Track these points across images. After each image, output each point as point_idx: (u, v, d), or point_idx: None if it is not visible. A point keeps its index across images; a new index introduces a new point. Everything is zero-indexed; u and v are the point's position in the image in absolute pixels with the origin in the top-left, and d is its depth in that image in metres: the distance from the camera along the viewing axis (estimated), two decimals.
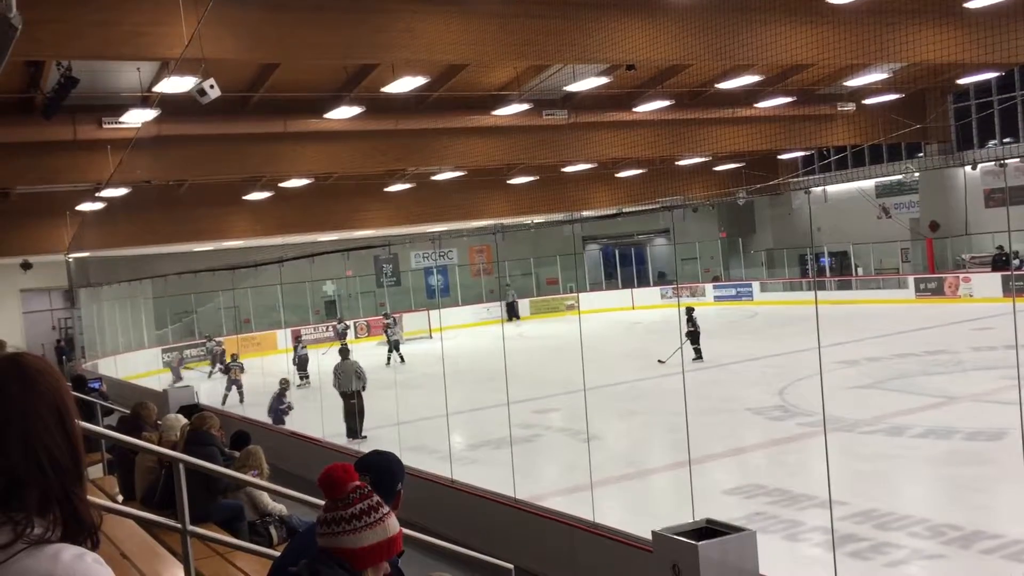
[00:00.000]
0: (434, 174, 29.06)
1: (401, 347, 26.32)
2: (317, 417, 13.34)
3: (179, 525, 4.00)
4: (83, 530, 1.39)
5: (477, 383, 18.24)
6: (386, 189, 30.10)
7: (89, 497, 1.47)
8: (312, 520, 3.27)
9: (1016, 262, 27.82)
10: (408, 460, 10.83)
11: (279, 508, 7.11)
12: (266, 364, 22.48)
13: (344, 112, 19.65)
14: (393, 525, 2.37)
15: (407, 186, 29.97)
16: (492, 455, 12.91)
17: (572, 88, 21.17)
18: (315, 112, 20.16)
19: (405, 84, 17.58)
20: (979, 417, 12.11)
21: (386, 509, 2.39)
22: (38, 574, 1.30)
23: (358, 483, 2.42)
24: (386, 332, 28.15)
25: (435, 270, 39.00)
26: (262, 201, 28.24)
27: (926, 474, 10.83)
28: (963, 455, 10.84)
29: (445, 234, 33.46)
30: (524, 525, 7.96)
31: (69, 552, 1.34)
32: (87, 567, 1.33)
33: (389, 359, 25.65)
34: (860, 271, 33.59)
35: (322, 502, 2.49)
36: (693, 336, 20.03)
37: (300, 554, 2.74)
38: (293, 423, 14.97)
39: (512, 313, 34.80)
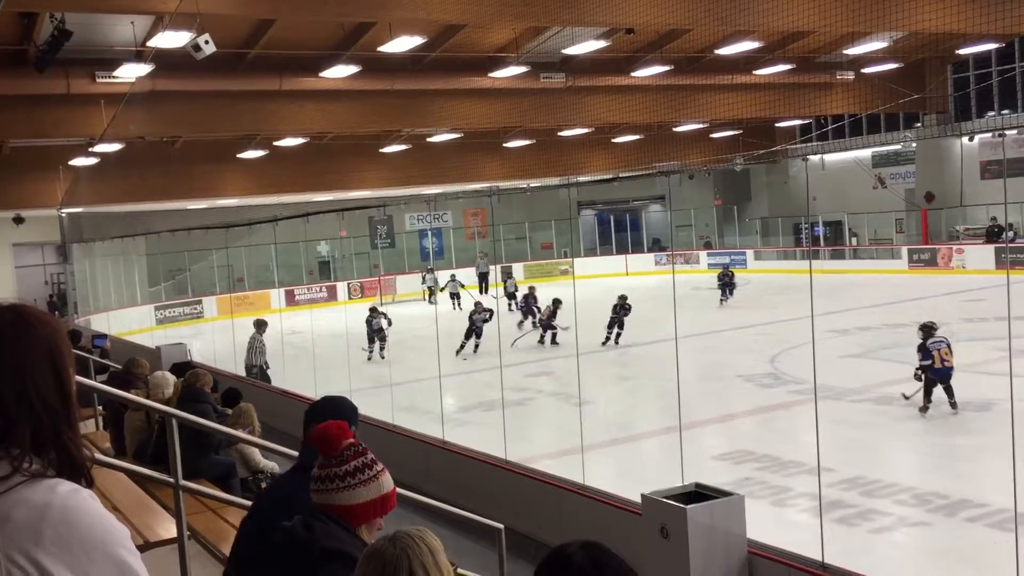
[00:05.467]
0: (430, 136, 28.89)
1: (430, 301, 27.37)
2: (310, 375, 13.37)
3: (172, 480, 4.02)
4: (76, 469, 1.46)
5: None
6: (382, 150, 29.93)
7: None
8: (282, 473, 3.29)
9: (1010, 234, 27.89)
10: (400, 421, 10.90)
11: (271, 465, 7.15)
12: None
13: (340, 71, 19.47)
14: (387, 482, 2.39)
15: (403, 147, 29.81)
16: (484, 417, 12.98)
17: (570, 51, 20.99)
18: (311, 71, 19.97)
19: (402, 44, 17.42)
20: (968, 387, 12.18)
21: (380, 466, 2.40)
22: (36, 504, 1.38)
23: (352, 440, 2.43)
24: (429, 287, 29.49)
25: (430, 232, 38.92)
26: (256, 159, 28.08)
27: (913, 443, 10.93)
28: (951, 425, 10.94)
29: (440, 196, 33.34)
30: (514, 486, 8.03)
31: (65, 486, 1.42)
32: (82, 500, 1.41)
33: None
34: (855, 241, 33.62)
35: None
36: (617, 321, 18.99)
37: (276, 508, 2.77)
38: (280, 380, 14.97)
39: (483, 285, 31.78)
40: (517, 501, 7.88)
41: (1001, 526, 7.28)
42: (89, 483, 1.47)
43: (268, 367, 15.59)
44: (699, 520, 5.38)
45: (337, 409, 3.16)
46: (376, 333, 18.53)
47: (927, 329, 11.91)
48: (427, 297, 29.12)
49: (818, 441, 6.35)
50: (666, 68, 24.02)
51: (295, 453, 5.01)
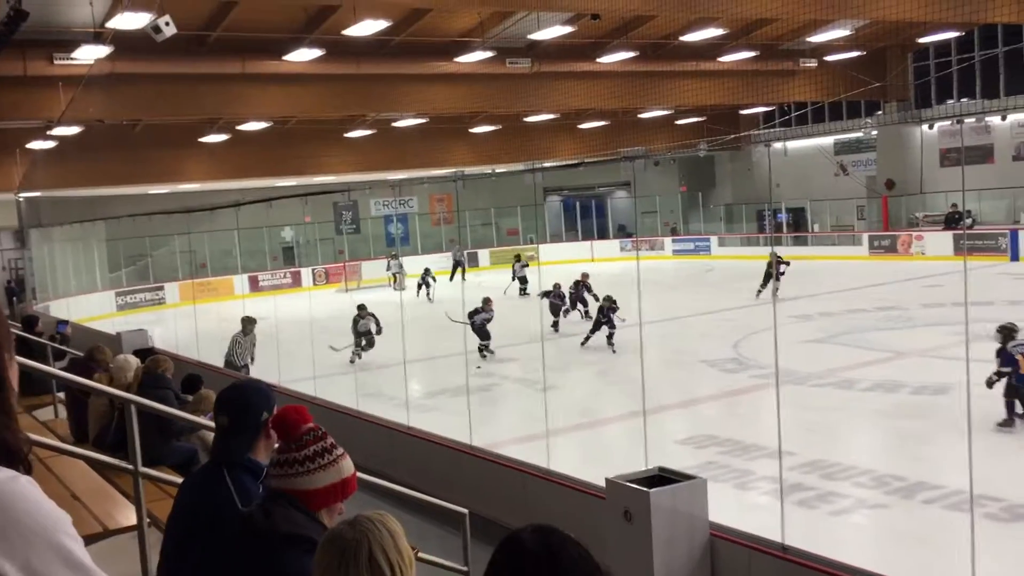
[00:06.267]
0: (395, 120, 28.72)
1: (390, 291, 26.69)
2: (275, 361, 13.28)
3: (131, 466, 3.97)
4: (12, 456, 1.43)
5: (436, 331, 18.27)
6: (346, 135, 29.70)
7: (33, 436, 1.48)
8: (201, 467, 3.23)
9: (968, 221, 28.35)
10: (365, 407, 10.85)
11: None
12: (222, 310, 22.30)
13: (304, 54, 19.28)
14: (347, 467, 2.38)
15: (368, 132, 29.60)
16: (449, 403, 12.98)
17: (536, 36, 20.96)
18: (274, 54, 19.75)
19: (366, 27, 17.27)
20: (926, 372, 12.41)
21: (340, 451, 2.39)
22: None
23: (311, 425, 2.42)
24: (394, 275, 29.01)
25: (395, 218, 38.74)
26: (219, 144, 27.73)
27: (873, 426, 11.10)
28: (909, 408, 11.12)
29: (405, 182, 33.18)
30: (479, 471, 8.05)
31: (2, 473, 1.38)
32: (20, 486, 1.38)
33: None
34: (817, 227, 33.99)
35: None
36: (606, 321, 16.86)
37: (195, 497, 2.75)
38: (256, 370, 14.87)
39: (457, 272, 30.80)
40: (482, 486, 7.90)
41: (957, 507, 7.42)
42: (28, 469, 1.44)
43: (253, 362, 14.49)
44: (662, 503, 5.42)
45: (243, 399, 2.92)
46: (364, 336, 16.63)
47: (1007, 331, 10.31)
48: (393, 283, 29.01)
49: (779, 425, 6.42)
50: (632, 54, 24.06)
51: None
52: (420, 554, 3.12)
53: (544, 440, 8.75)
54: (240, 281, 31.19)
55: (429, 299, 26.18)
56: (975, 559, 5.05)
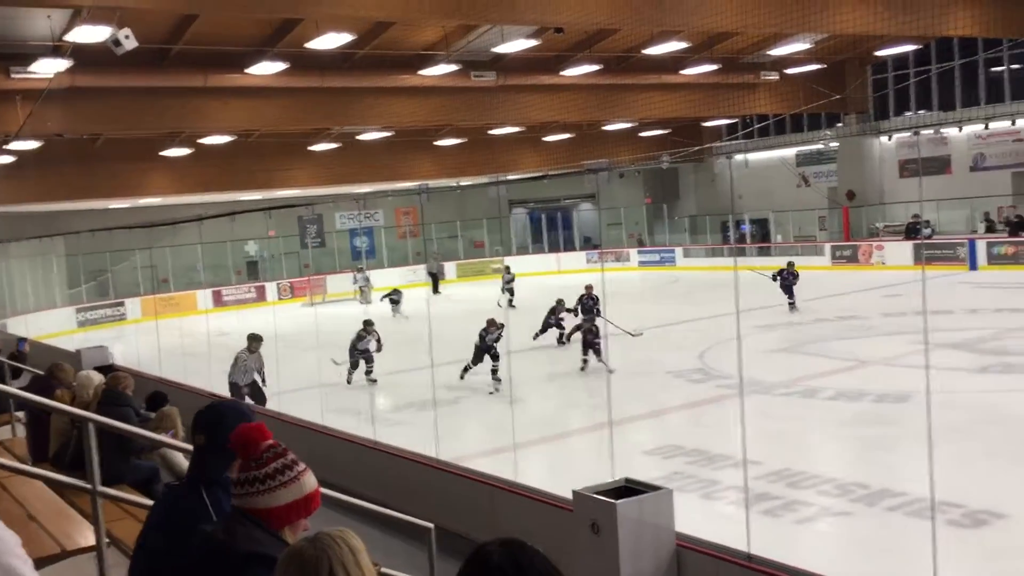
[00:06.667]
0: (359, 134, 28.64)
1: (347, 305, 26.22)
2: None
3: (89, 486, 3.90)
4: None
5: (402, 346, 18.18)
6: (310, 148, 29.58)
7: None
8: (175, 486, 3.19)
9: (928, 231, 28.82)
10: (331, 422, 10.76)
11: None
12: (184, 325, 22.05)
13: (267, 68, 19.17)
14: (309, 483, 2.35)
15: (332, 145, 29.49)
16: (416, 417, 12.92)
17: (500, 50, 21.02)
18: (237, 67, 19.62)
19: (330, 40, 17.23)
20: (888, 380, 12.56)
21: (301, 467, 2.36)
22: None
23: (271, 442, 2.39)
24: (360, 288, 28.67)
25: (360, 231, 38.58)
26: (181, 158, 27.48)
27: (836, 435, 11.21)
28: (871, 416, 11.24)
29: (371, 195, 33.07)
30: (446, 485, 8.00)
31: None
32: None
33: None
34: (780, 238, 34.35)
35: None
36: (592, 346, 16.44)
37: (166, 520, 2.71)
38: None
39: (436, 284, 31.95)
40: (448, 500, 7.86)
41: (919, 514, 7.50)
42: None
43: (265, 383, 13.48)
44: (629, 514, 5.43)
45: (218, 418, 2.93)
46: (362, 354, 15.77)
47: None
48: (358, 297, 28.85)
49: (744, 435, 6.47)
50: (595, 67, 24.22)
51: None
52: (383, 570, 3.09)
53: (511, 453, 8.74)
54: (203, 296, 30.85)
55: (404, 316, 25.45)
56: (937, 566, 5.11)
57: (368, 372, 15.76)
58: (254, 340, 13.41)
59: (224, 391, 12.99)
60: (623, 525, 5.38)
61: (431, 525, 5.53)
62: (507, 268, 26.99)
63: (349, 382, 15.67)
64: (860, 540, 7.61)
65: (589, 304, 18.03)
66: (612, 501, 5.49)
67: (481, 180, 33.01)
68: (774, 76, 28.08)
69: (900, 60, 31.05)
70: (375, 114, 24.18)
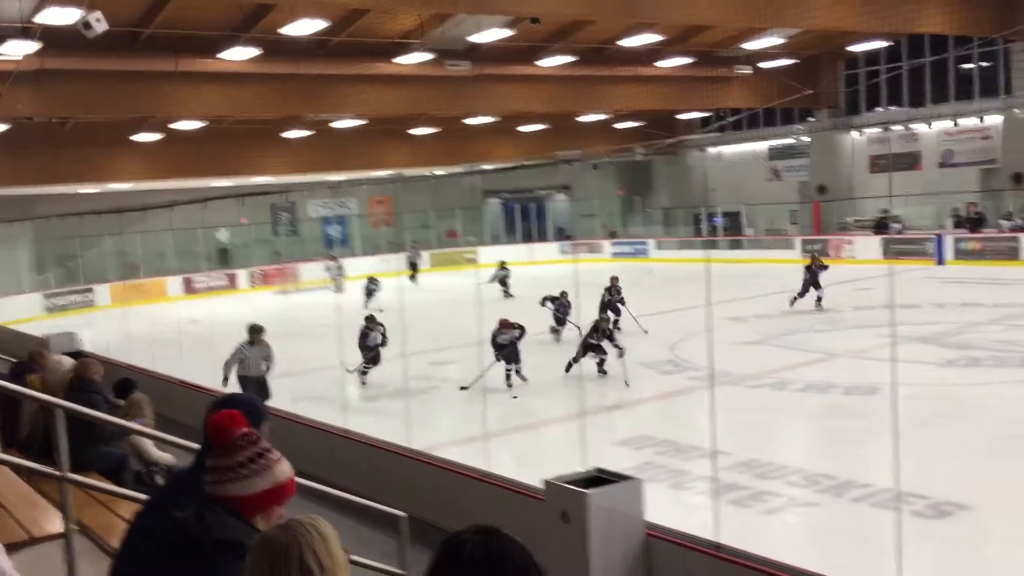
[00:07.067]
0: (333, 121, 28.49)
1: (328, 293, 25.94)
2: (210, 364, 13.04)
3: (57, 472, 3.87)
4: None
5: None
6: (283, 135, 29.38)
7: None
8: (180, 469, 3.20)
9: (897, 226, 29.15)
10: (303, 410, 10.72)
11: (166, 458, 6.96)
12: (155, 312, 21.87)
13: (240, 53, 19.01)
14: (283, 471, 2.35)
15: (306, 133, 29.31)
16: (388, 406, 12.91)
17: (476, 39, 20.97)
18: (209, 52, 19.45)
19: (304, 27, 17.13)
20: (856, 373, 12.71)
21: (276, 455, 2.36)
22: None
23: (245, 430, 2.38)
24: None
25: (334, 220, 38.38)
26: (152, 143, 27.20)
27: (805, 426, 11.34)
28: (840, 409, 11.38)
29: (344, 183, 32.91)
30: (418, 475, 8.01)
31: None
32: None
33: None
34: (751, 231, 34.59)
35: None
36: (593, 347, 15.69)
37: (174, 502, 2.69)
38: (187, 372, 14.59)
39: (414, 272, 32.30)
40: (421, 489, 7.87)
41: (884, 505, 7.62)
42: None
43: (268, 370, 12.24)
44: (599, 504, 5.47)
45: (237, 406, 3.06)
46: (369, 351, 14.61)
47: None
48: (331, 286, 28.73)
49: (714, 426, 6.53)
50: (571, 58, 24.25)
51: (191, 445, 4.89)
52: (354, 558, 3.09)
53: (484, 443, 8.76)
54: (174, 283, 30.60)
55: (378, 308, 24.99)
56: (901, 556, 5.20)
57: (364, 372, 14.68)
58: (255, 331, 12.35)
59: (202, 380, 12.91)
60: (593, 514, 5.42)
61: (403, 514, 5.54)
62: (502, 263, 26.57)
63: (364, 383, 14.59)
64: (826, 530, 7.71)
65: (615, 301, 17.77)
66: (583, 491, 5.53)
67: (456, 170, 32.95)
68: (748, 70, 28.25)
69: (872, 56, 31.33)
70: (349, 102, 24.06)
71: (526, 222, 41.34)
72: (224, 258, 35.58)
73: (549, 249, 37.39)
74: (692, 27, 23.65)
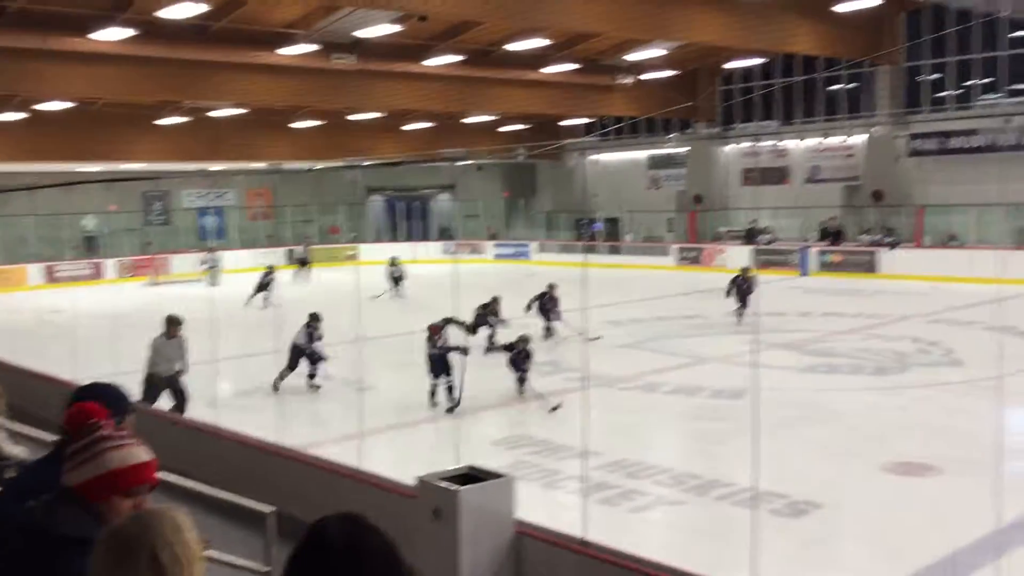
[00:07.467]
0: (211, 110, 27.66)
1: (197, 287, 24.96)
2: (71, 357, 12.45)
3: None
4: None
5: (251, 329, 17.73)
6: (158, 121, 28.35)
7: None
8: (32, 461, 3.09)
9: (766, 237, 30.38)
10: (170, 405, 10.32)
11: (18, 452, 6.61)
12: (12, 301, 20.75)
13: (113, 33, 18.25)
14: (127, 456, 2.22)
15: (182, 119, 28.36)
16: (263, 403, 12.63)
17: (362, 33, 20.76)
18: (79, 30, 18.58)
19: (183, 9, 16.59)
20: (724, 377, 13.18)
21: (122, 441, 2.26)
22: None
23: (97, 421, 2.30)
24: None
25: (210, 210, 37.23)
26: (15, 122, 25.79)
27: (674, 427, 11.70)
28: (707, 411, 11.78)
29: (221, 173, 32.00)
30: (288, 472, 7.87)
31: None
32: None
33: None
34: (629, 238, 35.40)
35: None
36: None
37: (26, 493, 2.57)
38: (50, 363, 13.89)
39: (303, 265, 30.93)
40: (291, 487, 7.73)
41: (747, 504, 7.93)
42: None
43: (183, 372, 11.16)
44: (471, 501, 5.50)
45: (95, 395, 3.00)
46: (308, 355, 13.29)
47: None
48: (206, 278, 27.87)
49: (585, 426, 6.65)
50: (458, 58, 24.26)
51: (47, 438, 4.68)
52: (216, 554, 3.01)
53: (360, 440, 8.67)
54: (35, 271, 29.10)
55: (273, 303, 22.32)
56: (757, 551, 5.42)
57: (312, 375, 13.29)
58: (173, 323, 11.07)
59: (61, 372, 12.30)
60: (464, 511, 5.45)
61: (268, 509, 5.44)
62: (392, 260, 25.50)
63: (276, 388, 13.11)
64: (690, 528, 7.98)
65: (548, 307, 17.00)
66: (455, 488, 5.55)
67: (337, 164, 32.53)
68: (630, 80, 28.93)
69: (747, 73, 32.58)
70: (228, 90, 23.41)
71: (409, 220, 41.13)
72: (91, 246, 34.01)
73: (432, 248, 37.31)
74: (578, 35, 24.04)
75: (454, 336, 12.64)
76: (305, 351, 13.23)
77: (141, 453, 2.26)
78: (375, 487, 6.95)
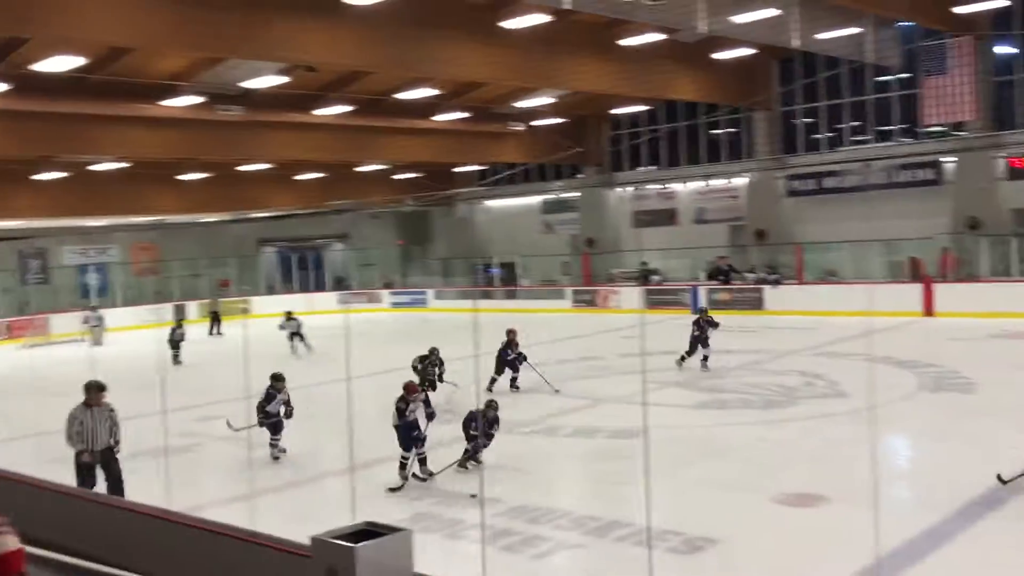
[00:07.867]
0: (92, 163, 26.81)
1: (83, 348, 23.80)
2: None
3: None
4: None
5: (135, 390, 17.04)
6: (33, 176, 27.29)
7: None
8: None
9: (657, 278, 31.11)
10: (49, 474, 9.87)
11: None
12: None
13: None
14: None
15: (59, 175, 27.38)
16: (146, 466, 12.11)
17: (248, 84, 20.54)
18: None
19: (59, 63, 16.10)
20: (620, 417, 13.33)
21: None
22: None
23: None
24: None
25: (92, 267, 35.86)
26: None
27: (573, 470, 11.75)
28: (605, 452, 11.88)
29: (103, 229, 30.98)
30: (173, 537, 7.54)
31: None
32: None
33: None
34: (526, 282, 35.73)
35: None
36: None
37: None
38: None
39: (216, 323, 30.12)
40: (176, 553, 7.41)
41: (644, 543, 7.99)
42: None
43: (118, 447, 10.13)
44: (368, 557, 5.36)
45: None
46: (270, 419, 12.34)
47: None
48: (88, 338, 26.74)
49: (481, 476, 6.61)
50: (348, 108, 24.24)
51: None
52: None
53: (251, 501, 8.40)
54: None
55: (178, 361, 22.10)
56: None
57: (274, 444, 12.32)
58: (93, 390, 9.88)
59: None
60: (362, 568, 5.31)
61: None
62: (288, 314, 23.83)
63: (277, 458, 12.19)
64: (592, 571, 7.99)
65: (512, 359, 16.14)
66: (350, 545, 5.41)
67: (226, 217, 31.91)
68: (521, 127, 29.43)
69: (634, 119, 33.54)
70: (109, 143, 22.77)
71: (303, 271, 40.54)
72: None
73: (327, 299, 36.82)
74: (467, 83, 24.36)
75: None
76: (270, 415, 12.22)
77: (8, 542, 2.14)
78: (268, 547, 6.73)
